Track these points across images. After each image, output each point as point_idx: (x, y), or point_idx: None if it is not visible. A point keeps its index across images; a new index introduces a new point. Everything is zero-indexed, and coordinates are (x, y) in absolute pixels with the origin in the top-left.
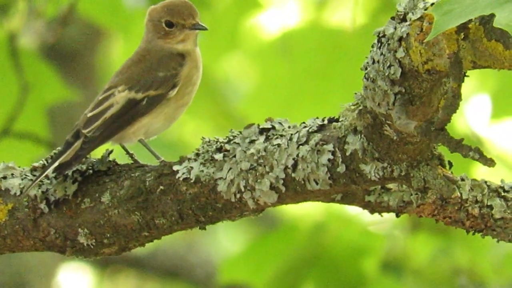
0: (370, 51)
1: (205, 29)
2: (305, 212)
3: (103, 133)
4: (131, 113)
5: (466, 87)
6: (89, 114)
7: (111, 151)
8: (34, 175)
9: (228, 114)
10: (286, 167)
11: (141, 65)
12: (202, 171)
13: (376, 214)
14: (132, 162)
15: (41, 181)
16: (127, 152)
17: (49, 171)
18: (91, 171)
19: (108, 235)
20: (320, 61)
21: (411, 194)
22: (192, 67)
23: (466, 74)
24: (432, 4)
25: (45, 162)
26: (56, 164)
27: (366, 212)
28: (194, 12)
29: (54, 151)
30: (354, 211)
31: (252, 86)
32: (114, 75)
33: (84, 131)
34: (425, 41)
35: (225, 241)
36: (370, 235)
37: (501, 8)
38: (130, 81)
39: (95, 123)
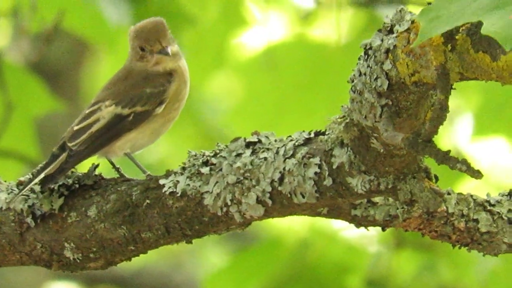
0: (357, 64)
1: (168, 54)
2: (290, 227)
3: (88, 147)
4: (117, 128)
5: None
6: (76, 127)
7: (97, 165)
8: (20, 190)
9: (209, 135)
10: (272, 181)
11: (128, 80)
12: (189, 185)
13: (362, 230)
14: (118, 176)
15: (27, 195)
16: (114, 166)
17: (35, 182)
18: (77, 185)
19: (95, 249)
20: (304, 75)
21: (397, 208)
22: (181, 83)
23: (453, 86)
24: None
25: (31, 176)
26: (42, 176)
27: (350, 228)
28: (161, 36)
29: (41, 164)
30: (338, 227)
31: (237, 100)
32: (101, 89)
33: (70, 144)
34: (411, 46)
35: (211, 260)
36: (354, 252)
37: (489, 14)
38: (117, 96)
39: (81, 136)
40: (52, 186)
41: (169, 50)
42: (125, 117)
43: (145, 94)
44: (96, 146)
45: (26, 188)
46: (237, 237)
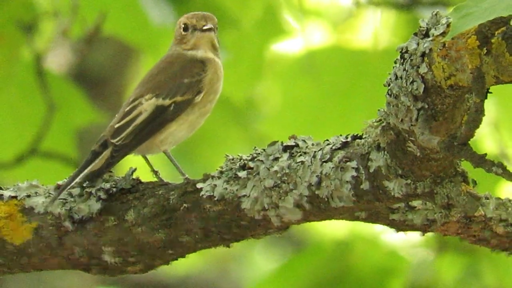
0: (393, 67)
1: (211, 30)
2: (331, 231)
3: (133, 140)
4: (159, 119)
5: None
6: (117, 125)
7: (135, 169)
8: (62, 188)
9: (252, 142)
10: (310, 185)
11: (165, 73)
12: (226, 188)
13: (401, 234)
14: (156, 180)
15: (64, 199)
16: (152, 169)
17: (76, 181)
18: (115, 189)
19: (133, 253)
20: (343, 81)
21: (436, 213)
22: (213, 74)
23: (489, 89)
24: None
25: (69, 179)
26: (86, 172)
27: (391, 232)
28: (210, 19)
29: (81, 165)
30: (379, 230)
31: (275, 106)
32: (137, 87)
33: (114, 140)
34: (443, 40)
35: (258, 266)
36: (396, 256)
37: None
38: (156, 89)
39: (125, 131)
40: (90, 190)
41: (214, 29)
42: (166, 107)
43: (184, 84)
44: (141, 138)
45: (71, 185)
46: (284, 242)
